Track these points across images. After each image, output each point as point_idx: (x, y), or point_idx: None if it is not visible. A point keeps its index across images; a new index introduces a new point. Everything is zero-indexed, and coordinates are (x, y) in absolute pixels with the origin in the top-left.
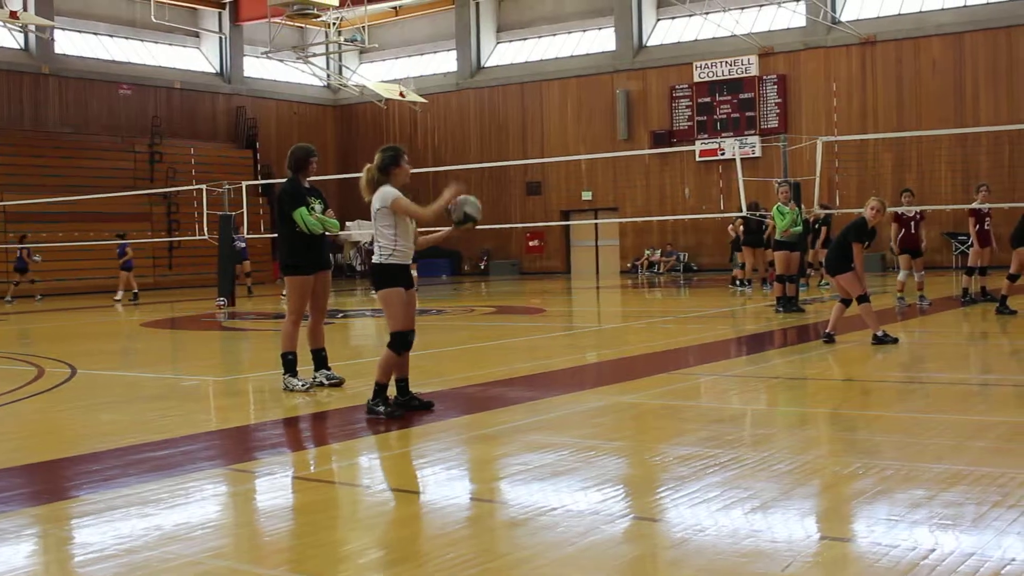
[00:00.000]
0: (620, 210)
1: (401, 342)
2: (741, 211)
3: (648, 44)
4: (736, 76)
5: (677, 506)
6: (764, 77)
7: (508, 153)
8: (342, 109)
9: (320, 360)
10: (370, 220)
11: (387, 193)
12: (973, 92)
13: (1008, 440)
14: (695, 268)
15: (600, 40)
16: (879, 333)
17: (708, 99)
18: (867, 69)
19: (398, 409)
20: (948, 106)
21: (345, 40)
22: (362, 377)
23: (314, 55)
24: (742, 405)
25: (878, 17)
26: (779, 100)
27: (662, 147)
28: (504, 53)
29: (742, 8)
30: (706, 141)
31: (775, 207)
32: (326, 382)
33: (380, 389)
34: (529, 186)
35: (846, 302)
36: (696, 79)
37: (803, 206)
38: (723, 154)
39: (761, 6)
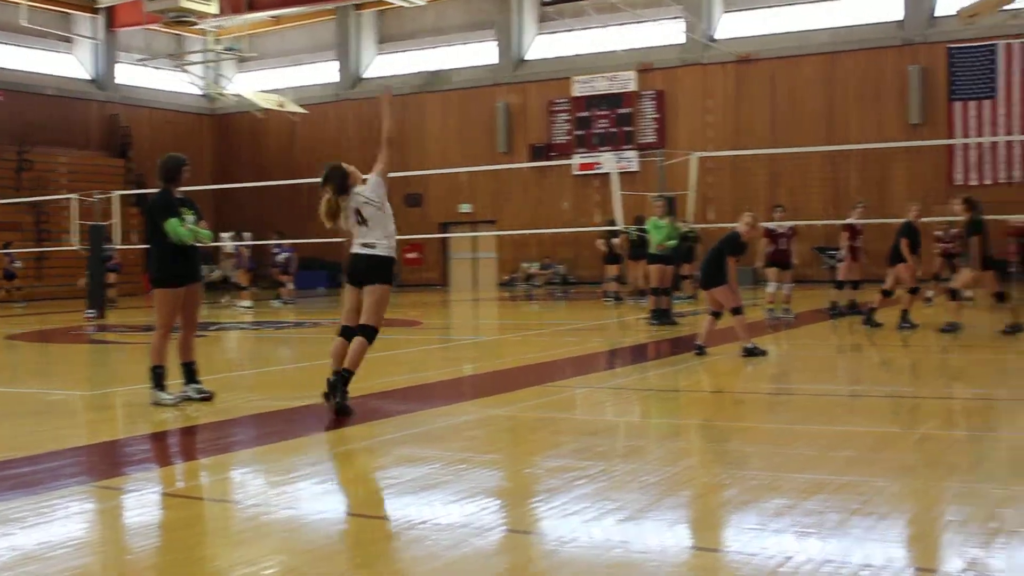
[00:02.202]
0: (499, 223)
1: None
2: (617, 225)
3: (528, 58)
4: (615, 91)
5: (547, 518)
6: (642, 93)
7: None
8: (219, 119)
9: (190, 374)
10: (244, 232)
11: (375, 181)
12: (844, 111)
13: (871, 450)
14: (573, 281)
15: (481, 53)
16: (749, 345)
17: (587, 113)
18: (743, 86)
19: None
20: (820, 124)
21: (223, 49)
22: (233, 390)
23: (191, 63)
24: (614, 417)
25: (754, 36)
26: (657, 115)
27: (541, 161)
28: (385, 64)
29: (622, 24)
30: (584, 155)
31: (650, 221)
32: (196, 396)
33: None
34: (408, 198)
35: (717, 315)
36: (575, 93)
37: (679, 220)
38: (601, 168)
39: (640, 23)
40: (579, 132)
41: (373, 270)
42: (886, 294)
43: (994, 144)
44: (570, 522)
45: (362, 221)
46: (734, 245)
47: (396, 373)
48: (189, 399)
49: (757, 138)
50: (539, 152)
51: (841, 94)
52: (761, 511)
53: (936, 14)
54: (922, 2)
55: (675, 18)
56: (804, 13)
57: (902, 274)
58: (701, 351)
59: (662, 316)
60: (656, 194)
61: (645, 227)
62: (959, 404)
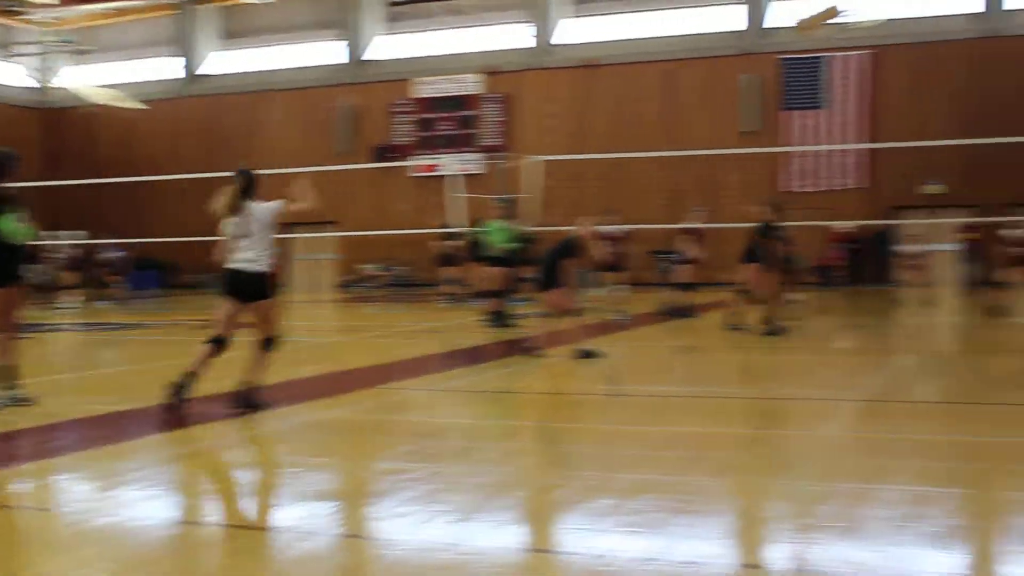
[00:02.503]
0: (339, 224)
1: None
2: (453, 227)
3: (373, 58)
4: (459, 94)
5: (378, 520)
6: (487, 96)
7: (229, 163)
8: (50, 112)
9: (9, 378)
10: (72, 231)
11: (276, 206)
12: (682, 117)
13: (697, 449)
14: (413, 283)
15: (326, 53)
16: (584, 347)
17: (431, 115)
18: (587, 92)
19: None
20: (659, 130)
21: (57, 41)
22: (57, 394)
23: (23, 55)
24: (449, 419)
25: (600, 42)
26: (501, 119)
27: (383, 162)
28: (228, 61)
29: (468, 27)
30: (427, 157)
31: (490, 223)
32: (12, 402)
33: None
34: None
35: (544, 315)
36: (420, 95)
37: (518, 223)
38: (443, 170)
39: (487, 26)
40: (422, 134)
41: (256, 286)
42: (746, 294)
43: (823, 153)
44: (400, 524)
45: (245, 235)
46: (572, 248)
47: (231, 375)
48: (7, 404)
49: (600, 143)
50: (380, 153)
51: (680, 101)
52: (589, 511)
53: (770, 25)
54: (757, 13)
55: (521, 22)
56: (646, 21)
57: (752, 276)
58: (537, 353)
59: (499, 318)
60: (497, 196)
61: (484, 229)
62: (781, 404)
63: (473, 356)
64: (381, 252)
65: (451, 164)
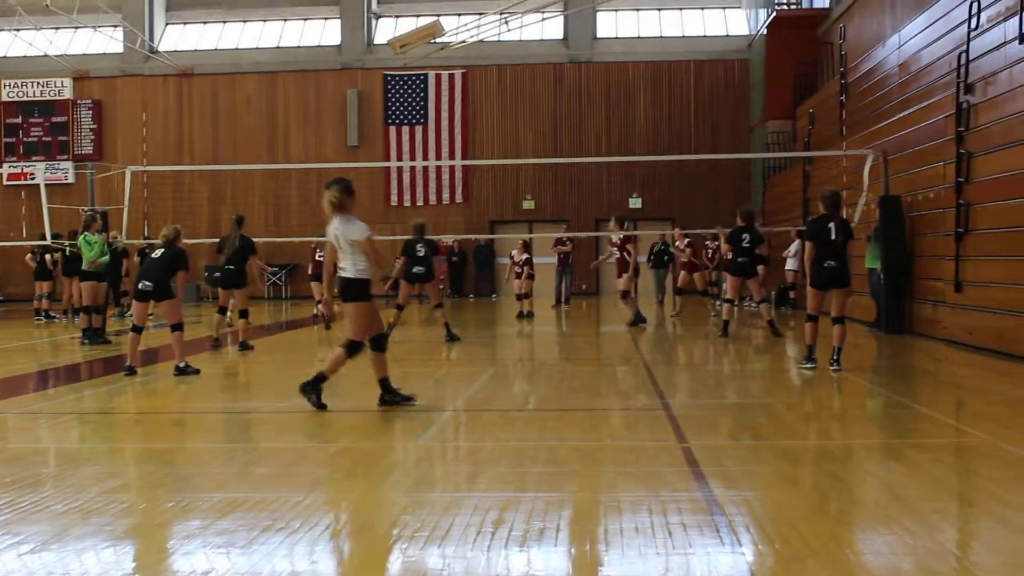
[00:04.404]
0: None
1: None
2: (46, 239)
3: None
4: (49, 98)
5: None
6: (79, 101)
7: None
8: None
9: None
10: None
11: (358, 233)
12: (285, 129)
13: (288, 465)
14: (1, 299)
15: None
16: (181, 364)
17: (17, 120)
18: (184, 100)
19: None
20: (262, 141)
21: None
22: None
23: None
24: (34, 443)
25: (196, 50)
26: (94, 126)
27: None
28: None
29: (56, 28)
30: (14, 164)
31: (82, 237)
32: None
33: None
34: None
35: (139, 330)
36: (5, 98)
37: (118, 235)
38: (33, 179)
39: (77, 28)
40: (8, 140)
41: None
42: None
43: (425, 168)
44: None
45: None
46: (183, 260)
47: None
48: None
49: (199, 153)
50: None
51: (282, 113)
52: (175, 534)
53: (376, 41)
54: (359, 31)
55: (114, 26)
56: (246, 31)
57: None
58: (131, 371)
59: (95, 335)
60: (88, 208)
61: (77, 243)
62: (375, 416)
63: (66, 375)
64: None
65: (42, 173)
